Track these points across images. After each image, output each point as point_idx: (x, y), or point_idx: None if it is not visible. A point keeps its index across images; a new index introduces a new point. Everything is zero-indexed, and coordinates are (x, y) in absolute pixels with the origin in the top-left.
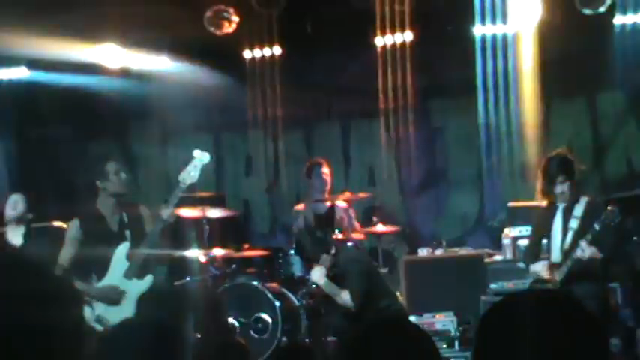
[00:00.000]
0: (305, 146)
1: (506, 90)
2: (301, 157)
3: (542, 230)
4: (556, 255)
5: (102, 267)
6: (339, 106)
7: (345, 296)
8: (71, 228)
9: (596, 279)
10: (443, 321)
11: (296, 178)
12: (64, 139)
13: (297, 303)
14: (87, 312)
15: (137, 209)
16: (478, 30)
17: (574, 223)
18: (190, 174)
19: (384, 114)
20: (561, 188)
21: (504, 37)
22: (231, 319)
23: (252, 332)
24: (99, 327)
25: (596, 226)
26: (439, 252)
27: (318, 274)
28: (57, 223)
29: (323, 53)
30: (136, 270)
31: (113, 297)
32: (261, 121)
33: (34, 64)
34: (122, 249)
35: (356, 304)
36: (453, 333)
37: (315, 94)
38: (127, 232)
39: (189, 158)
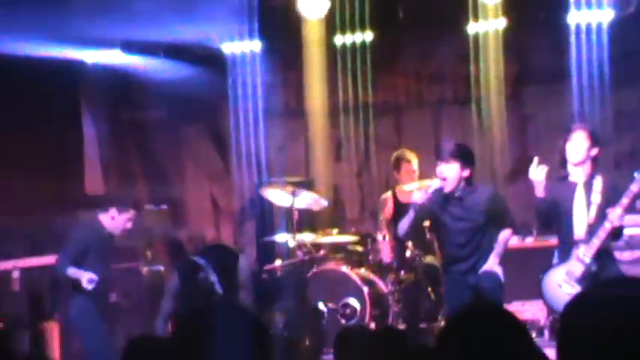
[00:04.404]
0: (396, 132)
1: (600, 78)
2: (392, 143)
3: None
4: (580, 231)
5: None
6: (430, 93)
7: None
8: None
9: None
10: (532, 310)
11: (386, 164)
12: (156, 123)
13: (385, 289)
14: None
15: None
16: (572, 17)
17: (596, 198)
18: None
19: (476, 101)
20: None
21: (599, 24)
22: (319, 305)
23: (339, 318)
24: None
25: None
26: (529, 240)
27: (419, 195)
28: (147, 206)
29: (414, 39)
30: None
31: None
32: (352, 106)
33: (128, 47)
34: None
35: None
36: (542, 322)
37: (407, 80)
38: None
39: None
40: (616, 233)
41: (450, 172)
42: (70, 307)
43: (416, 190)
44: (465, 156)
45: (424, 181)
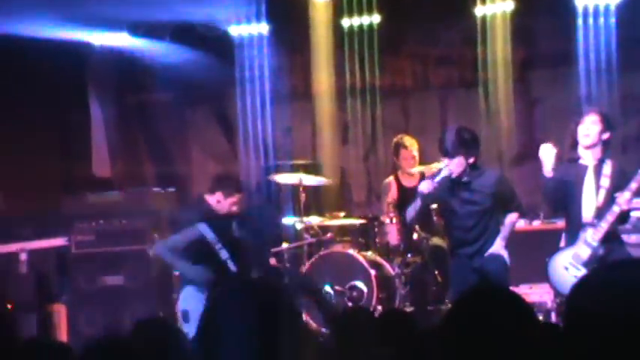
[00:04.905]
0: (402, 116)
1: (607, 61)
2: (398, 126)
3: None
4: (588, 214)
5: None
6: (437, 76)
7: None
8: None
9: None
10: (539, 292)
11: None
12: (163, 105)
13: (392, 272)
14: None
15: None
16: None
17: (605, 182)
18: None
19: (483, 84)
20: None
21: (607, 7)
22: (326, 287)
23: (346, 300)
24: None
25: None
26: (536, 223)
27: (426, 185)
28: (155, 189)
29: (421, 22)
30: None
31: None
32: (359, 89)
33: (135, 29)
34: None
35: None
36: (549, 305)
37: (413, 63)
38: None
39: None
40: (623, 217)
41: (455, 165)
42: (180, 296)
43: (424, 180)
44: (467, 146)
45: (432, 165)
